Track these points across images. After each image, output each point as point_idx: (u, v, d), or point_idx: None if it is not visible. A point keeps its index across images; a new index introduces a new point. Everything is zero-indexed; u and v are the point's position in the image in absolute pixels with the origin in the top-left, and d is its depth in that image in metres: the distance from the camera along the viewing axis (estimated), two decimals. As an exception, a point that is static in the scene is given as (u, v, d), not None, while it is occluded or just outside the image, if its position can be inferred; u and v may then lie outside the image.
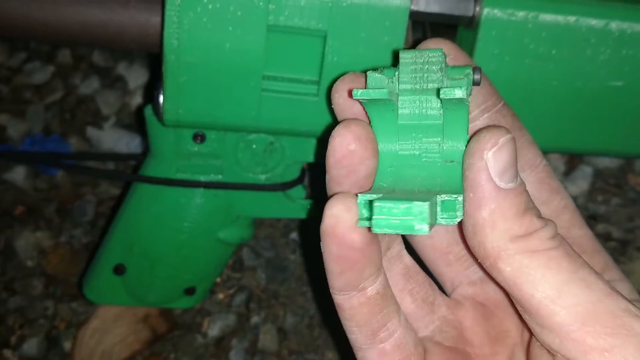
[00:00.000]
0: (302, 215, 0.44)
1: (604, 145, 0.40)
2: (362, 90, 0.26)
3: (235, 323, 0.52)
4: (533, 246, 0.24)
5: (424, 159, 0.27)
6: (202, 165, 0.40)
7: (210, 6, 0.33)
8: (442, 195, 0.25)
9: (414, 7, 0.35)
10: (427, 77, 0.27)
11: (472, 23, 0.36)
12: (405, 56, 0.27)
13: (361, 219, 0.25)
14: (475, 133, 0.25)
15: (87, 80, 0.61)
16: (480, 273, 0.30)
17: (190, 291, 0.46)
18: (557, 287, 0.23)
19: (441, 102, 0.27)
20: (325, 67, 0.35)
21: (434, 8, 0.36)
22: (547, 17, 0.36)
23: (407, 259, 0.30)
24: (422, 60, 0.27)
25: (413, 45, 0.29)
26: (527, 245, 0.24)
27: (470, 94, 0.26)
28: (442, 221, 0.25)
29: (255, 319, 0.52)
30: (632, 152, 0.41)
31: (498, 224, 0.24)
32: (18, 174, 0.58)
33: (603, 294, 0.23)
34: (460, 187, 0.26)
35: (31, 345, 0.52)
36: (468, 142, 0.26)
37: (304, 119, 0.37)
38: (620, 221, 0.53)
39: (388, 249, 0.29)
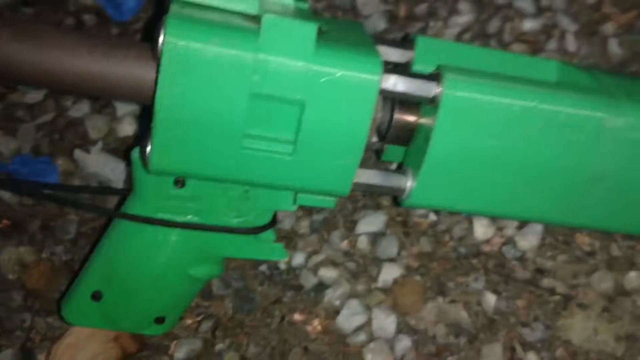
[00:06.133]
0: (272, 257, 0.48)
1: (556, 215, 0.44)
2: None
3: (201, 348, 0.55)
4: None
5: None
6: (181, 207, 0.44)
7: (200, 74, 0.36)
8: None
9: (383, 85, 0.39)
10: None
11: (433, 103, 0.40)
12: None
13: None
14: None
15: (79, 103, 0.64)
16: None
17: (160, 320, 0.49)
18: None
19: None
20: (302, 130, 0.39)
21: (401, 87, 0.40)
22: (502, 102, 0.40)
23: None
24: None
25: None
26: None
27: None
28: None
29: (220, 346, 0.55)
30: (578, 225, 0.46)
31: None
32: (5, 189, 0.60)
33: None
34: None
35: (6, 356, 0.54)
36: None
37: (280, 175, 0.41)
38: (565, 277, 0.57)
39: None
